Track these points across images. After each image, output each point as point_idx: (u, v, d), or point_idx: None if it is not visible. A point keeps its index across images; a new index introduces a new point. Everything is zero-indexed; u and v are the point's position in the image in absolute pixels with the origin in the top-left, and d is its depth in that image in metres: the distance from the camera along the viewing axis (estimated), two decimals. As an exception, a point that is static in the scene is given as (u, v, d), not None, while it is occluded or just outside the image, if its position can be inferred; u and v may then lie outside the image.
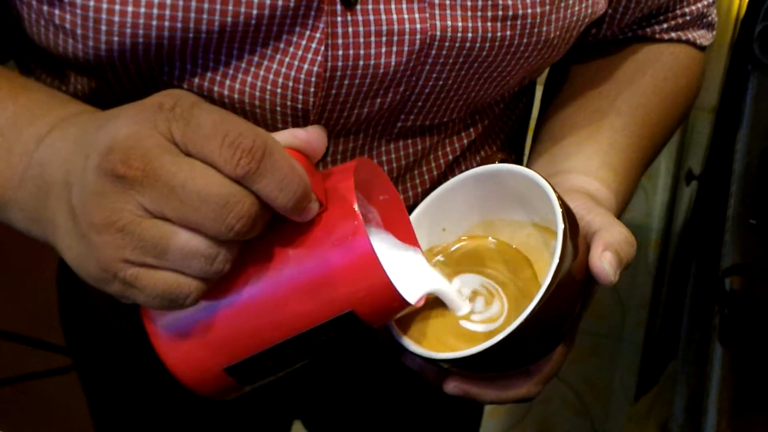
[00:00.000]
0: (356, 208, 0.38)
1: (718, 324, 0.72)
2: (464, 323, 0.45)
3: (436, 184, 0.55)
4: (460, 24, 0.46)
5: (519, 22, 0.47)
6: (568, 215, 0.42)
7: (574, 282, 0.42)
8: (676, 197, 1.64)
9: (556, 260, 0.40)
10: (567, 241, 0.41)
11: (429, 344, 0.44)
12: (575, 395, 1.61)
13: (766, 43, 0.98)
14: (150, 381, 0.74)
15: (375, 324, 0.41)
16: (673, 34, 0.61)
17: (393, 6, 0.45)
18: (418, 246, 0.46)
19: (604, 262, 0.43)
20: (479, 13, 0.46)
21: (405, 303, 0.40)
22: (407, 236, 0.46)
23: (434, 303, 0.46)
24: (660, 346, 1.34)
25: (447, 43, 0.46)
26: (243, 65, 0.46)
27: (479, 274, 0.48)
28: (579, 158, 0.50)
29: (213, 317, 0.39)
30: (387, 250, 0.46)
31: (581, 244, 0.43)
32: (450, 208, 0.48)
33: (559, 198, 0.42)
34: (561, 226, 0.41)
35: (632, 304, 1.74)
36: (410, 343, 0.43)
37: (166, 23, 0.42)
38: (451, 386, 0.45)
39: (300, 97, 0.46)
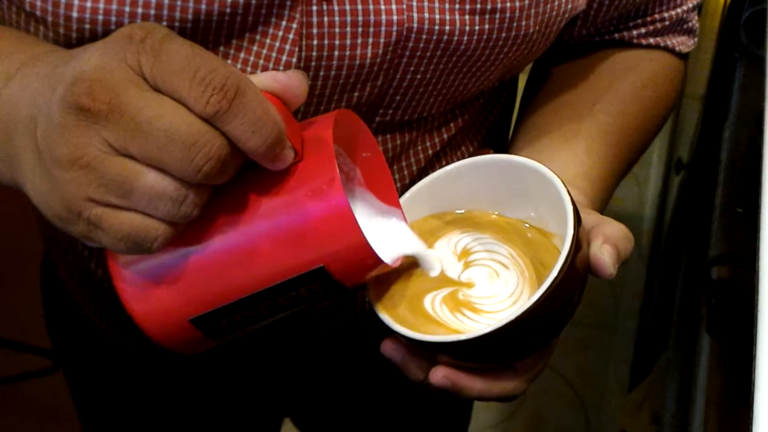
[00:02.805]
0: (333, 159, 0.37)
1: (705, 313, 0.72)
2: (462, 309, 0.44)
3: (416, 179, 0.54)
4: (437, 16, 0.46)
5: (497, 16, 0.47)
6: (574, 206, 0.42)
7: (577, 274, 0.42)
8: (668, 186, 1.64)
9: (567, 247, 0.40)
10: (576, 230, 0.41)
11: (417, 330, 0.43)
12: (569, 386, 1.61)
13: (752, 30, 0.98)
14: (137, 381, 0.74)
15: (347, 282, 0.40)
16: (651, 40, 0.60)
17: None
18: (399, 206, 0.45)
19: (604, 254, 0.43)
20: (457, 6, 0.46)
21: (378, 261, 0.39)
22: (388, 196, 0.45)
23: (425, 284, 0.45)
24: (653, 337, 1.34)
25: (424, 36, 0.46)
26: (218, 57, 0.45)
27: (485, 233, 0.47)
28: (555, 165, 0.50)
29: (180, 264, 0.38)
30: (366, 208, 0.45)
31: (583, 237, 0.42)
32: (442, 196, 0.48)
33: (566, 187, 0.42)
34: (571, 214, 0.41)
35: (625, 295, 1.74)
36: (406, 330, 0.42)
37: (139, 10, 0.42)
38: (440, 375, 0.43)
39: None
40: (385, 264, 0.40)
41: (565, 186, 0.43)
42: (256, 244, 0.38)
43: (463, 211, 0.48)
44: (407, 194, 0.48)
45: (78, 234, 0.35)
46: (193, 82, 0.32)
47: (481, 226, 0.48)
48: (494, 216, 0.48)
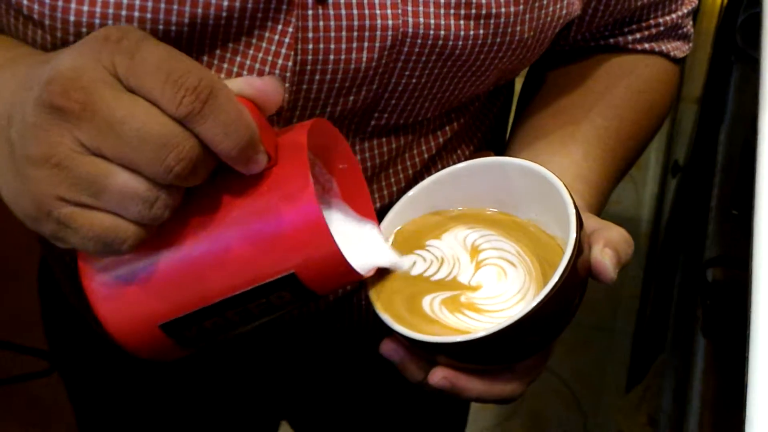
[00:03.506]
0: (307, 165, 0.37)
1: (701, 315, 0.72)
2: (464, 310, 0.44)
3: (411, 183, 0.55)
4: (432, 21, 0.46)
5: (492, 21, 0.47)
6: (577, 210, 0.42)
7: (578, 277, 0.42)
8: (665, 189, 1.64)
9: (569, 251, 0.40)
10: (578, 234, 0.41)
11: (417, 330, 0.43)
12: (567, 388, 1.61)
13: (748, 33, 0.98)
14: (134, 383, 0.74)
15: (319, 291, 0.40)
16: (646, 45, 0.60)
17: (365, 1, 0.45)
18: (375, 218, 0.45)
19: (605, 258, 0.43)
20: (452, 11, 0.46)
21: (350, 269, 0.39)
22: (365, 208, 0.45)
23: (424, 287, 0.45)
24: (649, 338, 1.34)
25: (419, 41, 0.46)
26: (215, 61, 0.45)
27: (490, 229, 0.47)
28: (552, 168, 0.50)
29: (150, 267, 0.38)
30: (342, 219, 0.45)
31: (585, 241, 0.43)
32: (444, 196, 0.48)
33: (568, 190, 0.43)
34: (573, 218, 0.41)
35: (623, 296, 1.74)
36: (406, 329, 0.42)
37: (136, 14, 0.42)
38: (439, 376, 0.43)
39: None
40: (358, 273, 0.40)
41: (567, 190, 0.43)
42: (225, 249, 0.37)
43: (465, 208, 0.49)
44: (409, 193, 0.48)
45: (48, 234, 0.35)
46: (166, 84, 0.32)
47: (486, 222, 0.48)
48: (498, 214, 0.48)
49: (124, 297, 0.38)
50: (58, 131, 0.33)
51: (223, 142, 0.34)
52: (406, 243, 0.47)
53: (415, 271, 0.46)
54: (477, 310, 0.44)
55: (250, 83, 0.37)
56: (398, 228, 0.48)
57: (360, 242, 0.45)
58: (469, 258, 0.46)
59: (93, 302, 0.39)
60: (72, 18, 0.42)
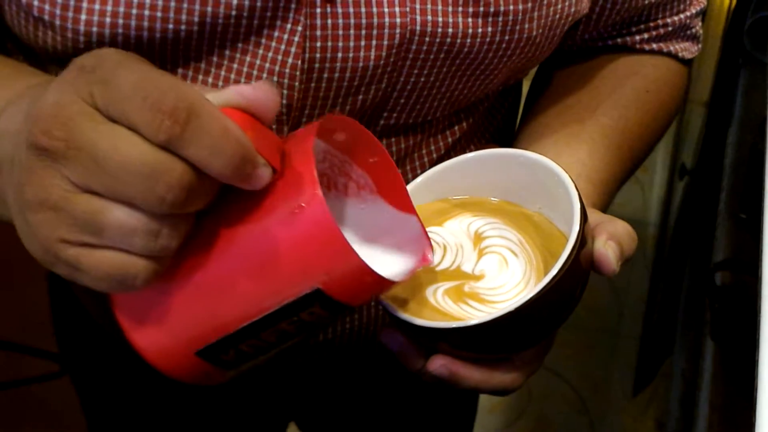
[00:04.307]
0: (312, 173, 0.34)
1: (709, 319, 0.72)
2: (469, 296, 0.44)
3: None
4: (440, 19, 0.46)
5: (501, 19, 0.47)
6: (581, 201, 0.42)
7: (581, 269, 0.42)
8: (672, 192, 1.64)
9: (572, 240, 0.40)
10: (582, 225, 0.41)
11: (418, 315, 0.42)
12: (573, 391, 1.61)
13: (756, 36, 0.98)
14: (144, 386, 0.74)
15: (352, 302, 0.37)
16: (654, 45, 0.60)
17: None
18: (414, 212, 0.43)
19: (608, 249, 0.43)
20: (460, 9, 0.46)
21: (378, 278, 0.36)
22: (401, 201, 0.43)
23: (429, 276, 0.45)
24: (657, 342, 1.34)
25: (427, 39, 0.46)
26: (225, 62, 0.46)
27: (495, 217, 0.47)
28: None
29: (172, 298, 0.36)
30: (376, 219, 0.43)
31: (588, 233, 0.43)
32: (451, 185, 0.48)
33: (574, 183, 0.43)
34: (578, 209, 0.41)
35: (629, 300, 1.74)
36: (407, 316, 0.42)
37: (146, 12, 0.42)
38: (438, 364, 0.42)
39: (284, 92, 0.46)
40: (389, 281, 0.37)
41: (573, 183, 0.43)
42: (239, 272, 0.35)
43: (471, 197, 0.49)
44: (417, 180, 0.48)
45: (63, 275, 0.34)
46: (143, 109, 0.31)
47: (492, 211, 0.48)
48: (504, 203, 0.48)
49: (156, 331, 0.37)
50: (49, 173, 0.32)
51: (212, 164, 0.31)
52: None
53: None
54: (480, 300, 0.44)
55: (240, 92, 0.34)
56: None
57: (399, 239, 0.42)
58: (472, 245, 0.46)
59: (128, 335, 0.38)
60: (83, 17, 0.42)
